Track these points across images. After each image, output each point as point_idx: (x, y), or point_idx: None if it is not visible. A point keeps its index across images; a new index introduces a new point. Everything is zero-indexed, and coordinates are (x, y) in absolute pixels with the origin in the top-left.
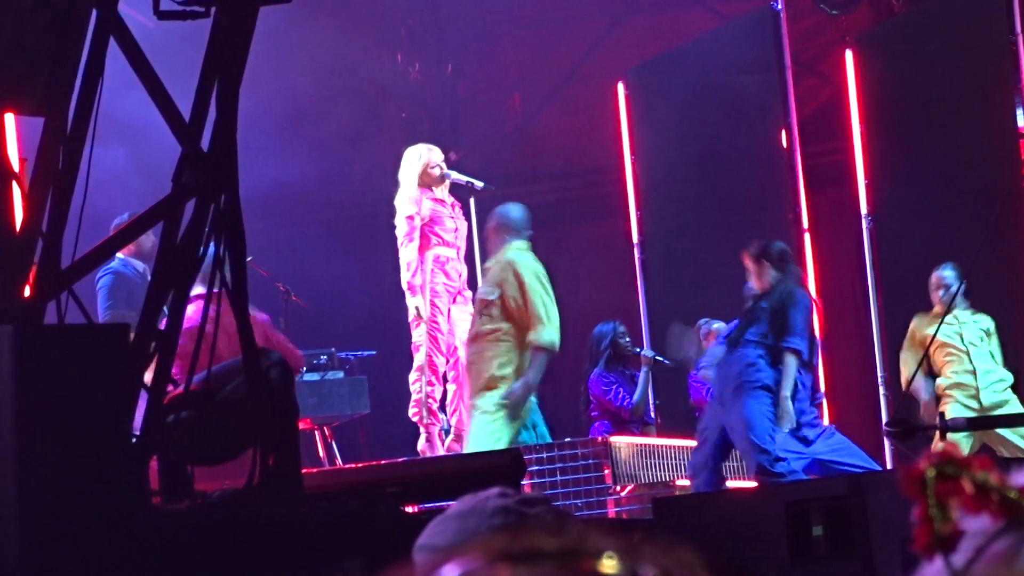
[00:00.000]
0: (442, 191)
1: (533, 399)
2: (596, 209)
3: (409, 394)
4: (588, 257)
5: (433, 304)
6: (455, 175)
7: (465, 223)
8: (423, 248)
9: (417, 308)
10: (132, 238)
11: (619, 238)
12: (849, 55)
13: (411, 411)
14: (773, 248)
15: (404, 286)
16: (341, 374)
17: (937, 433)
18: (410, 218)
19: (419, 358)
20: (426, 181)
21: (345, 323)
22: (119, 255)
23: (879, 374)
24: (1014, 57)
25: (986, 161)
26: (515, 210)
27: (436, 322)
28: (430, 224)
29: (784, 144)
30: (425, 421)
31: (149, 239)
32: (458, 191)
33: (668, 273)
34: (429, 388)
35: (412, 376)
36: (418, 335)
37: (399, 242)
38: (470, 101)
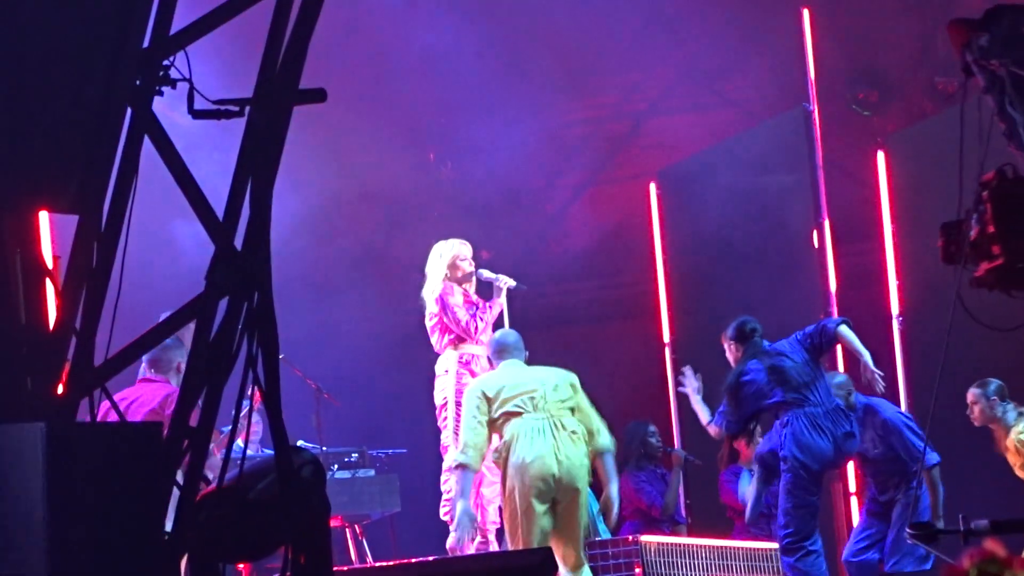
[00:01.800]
0: (469, 288)
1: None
2: (628, 308)
3: (439, 492)
4: (619, 356)
5: (459, 404)
6: (485, 273)
7: (491, 319)
8: (452, 346)
9: (444, 406)
10: (165, 335)
11: (651, 337)
12: (881, 156)
13: (442, 510)
14: (736, 327)
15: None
16: (372, 472)
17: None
18: (432, 316)
19: (449, 456)
20: (455, 276)
21: (376, 421)
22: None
23: None
24: None
25: None
26: (511, 335)
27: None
28: (455, 324)
29: (815, 244)
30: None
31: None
32: (487, 290)
33: (700, 372)
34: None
35: (444, 476)
36: (446, 436)
37: (431, 338)
38: (502, 200)
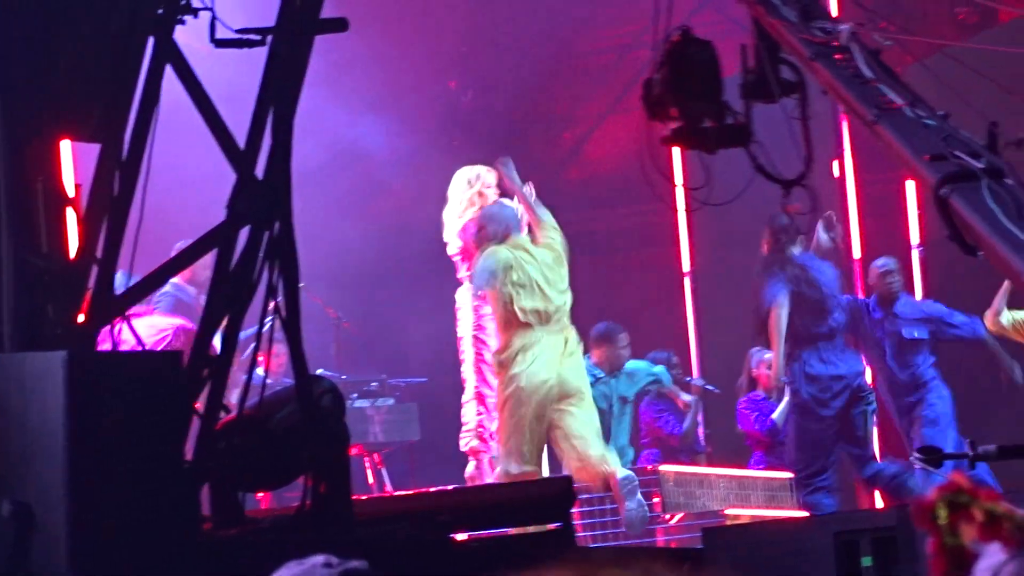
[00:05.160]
0: None
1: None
2: (648, 237)
3: (458, 421)
4: (640, 285)
5: (477, 338)
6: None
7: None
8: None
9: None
10: (186, 264)
11: (671, 267)
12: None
13: (462, 439)
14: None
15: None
16: (391, 401)
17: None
18: (456, 254)
19: (470, 389)
20: (482, 204)
21: (396, 350)
22: (173, 280)
23: None
24: None
25: None
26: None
27: (481, 354)
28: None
29: (836, 174)
30: (476, 448)
31: (205, 270)
32: None
33: (719, 302)
34: (479, 418)
35: (465, 408)
36: (467, 368)
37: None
38: (522, 129)
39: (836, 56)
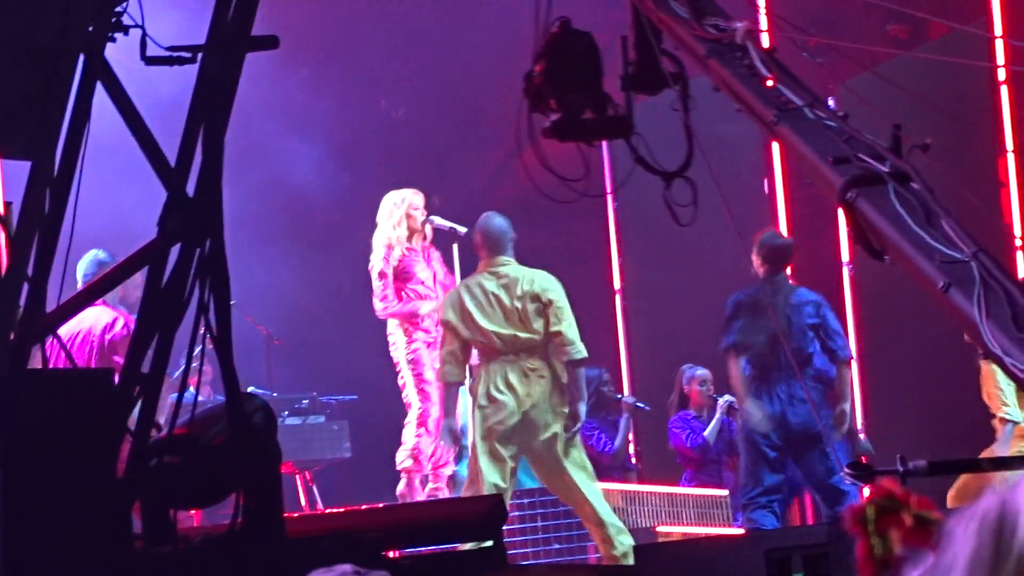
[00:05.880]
0: (417, 239)
1: None
2: (579, 254)
3: (390, 438)
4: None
5: (411, 363)
6: (438, 220)
7: (443, 268)
8: (400, 301)
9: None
10: (118, 282)
11: (601, 284)
12: (831, 103)
13: (399, 456)
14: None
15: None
16: (322, 418)
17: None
18: (381, 275)
19: (413, 411)
20: (409, 226)
21: (327, 368)
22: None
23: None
24: (996, 105)
25: (968, 209)
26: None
27: (421, 375)
28: (402, 280)
29: (766, 190)
30: (409, 468)
31: (136, 289)
32: (440, 237)
33: (650, 319)
34: (416, 439)
35: (406, 428)
36: (409, 392)
37: (376, 296)
38: (453, 147)
39: (733, 54)
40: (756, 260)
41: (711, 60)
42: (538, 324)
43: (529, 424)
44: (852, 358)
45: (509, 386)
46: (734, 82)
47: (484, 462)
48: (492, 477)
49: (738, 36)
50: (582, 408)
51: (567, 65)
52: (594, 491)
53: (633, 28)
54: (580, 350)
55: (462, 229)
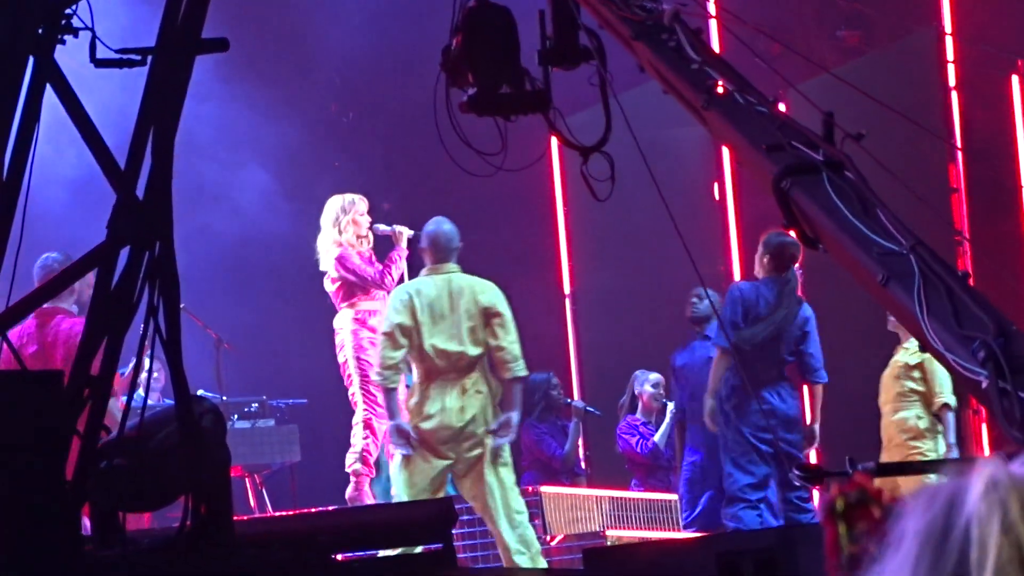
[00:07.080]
0: (365, 244)
1: None
2: (529, 260)
3: (340, 442)
4: (520, 307)
5: (360, 359)
6: (381, 227)
7: (403, 269)
8: (348, 304)
9: (348, 364)
10: (66, 285)
11: (551, 289)
12: (781, 108)
13: (348, 459)
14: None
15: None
16: (272, 422)
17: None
18: (334, 280)
19: (359, 412)
20: (355, 232)
21: (276, 371)
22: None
23: None
24: (947, 111)
25: (919, 219)
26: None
27: (367, 376)
28: (350, 285)
29: (717, 196)
30: (358, 471)
31: (89, 288)
32: (385, 241)
33: (600, 324)
34: (364, 442)
35: (354, 430)
36: (355, 391)
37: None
38: (403, 150)
39: (660, 36)
40: (763, 259)
41: (639, 42)
42: (482, 336)
43: (461, 439)
44: (827, 383)
45: (445, 405)
46: (661, 65)
47: (411, 471)
48: (419, 486)
49: (666, 18)
50: (515, 417)
51: (484, 39)
52: (505, 517)
53: (551, 2)
54: (522, 367)
55: (408, 232)
